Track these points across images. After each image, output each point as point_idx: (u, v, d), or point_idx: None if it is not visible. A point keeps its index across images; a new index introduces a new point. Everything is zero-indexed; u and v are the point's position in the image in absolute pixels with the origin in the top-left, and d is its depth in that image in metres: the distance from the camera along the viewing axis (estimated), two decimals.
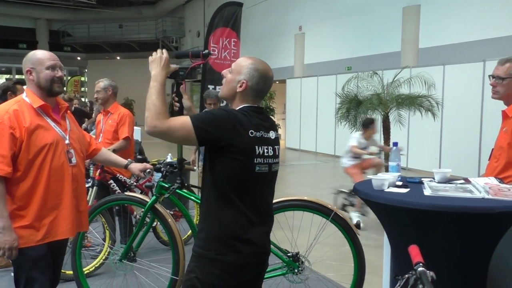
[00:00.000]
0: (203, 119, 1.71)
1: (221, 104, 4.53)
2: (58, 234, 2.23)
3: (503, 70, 2.52)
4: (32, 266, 2.16)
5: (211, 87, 5.66)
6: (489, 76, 2.63)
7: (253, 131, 1.77)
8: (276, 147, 1.89)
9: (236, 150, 1.72)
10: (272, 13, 17.80)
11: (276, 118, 12.05)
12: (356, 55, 13.17)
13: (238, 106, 1.85)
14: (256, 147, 1.77)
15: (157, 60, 1.86)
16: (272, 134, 1.87)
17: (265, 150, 1.81)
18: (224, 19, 6.11)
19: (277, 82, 18.11)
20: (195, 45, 23.72)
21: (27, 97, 2.22)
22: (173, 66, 1.96)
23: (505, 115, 2.54)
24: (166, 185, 2.97)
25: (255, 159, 1.77)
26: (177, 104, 2.08)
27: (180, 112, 2.11)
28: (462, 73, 9.24)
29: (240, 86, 1.82)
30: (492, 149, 2.63)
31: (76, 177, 2.29)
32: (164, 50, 1.91)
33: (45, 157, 2.15)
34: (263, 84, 1.85)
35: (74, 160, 2.27)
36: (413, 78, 8.02)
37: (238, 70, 1.85)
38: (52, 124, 2.23)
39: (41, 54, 2.24)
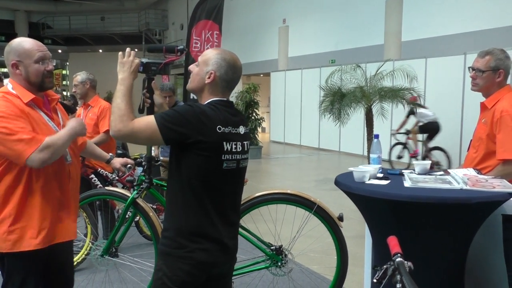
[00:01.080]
0: (167, 118, 1.66)
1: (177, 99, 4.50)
2: (60, 237, 2.08)
3: (483, 62, 2.50)
4: (24, 277, 2.00)
5: None
6: (469, 68, 2.61)
7: (221, 127, 1.72)
8: (245, 142, 1.84)
9: (203, 146, 1.68)
10: (256, 6, 17.74)
11: (260, 111, 12.03)
12: (339, 48, 13.23)
13: (207, 99, 1.80)
14: (224, 143, 1.73)
15: (128, 63, 1.82)
16: (241, 129, 1.82)
17: (233, 146, 1.77)
18: (207, 12, 6.05)
19: (261, 75, 18.12)
20: (179, 38, 23.51)
21: (15, 89, 1.99)
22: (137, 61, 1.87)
23: (484, 106, 2.55)
24: (145, 178, 2.94)
25: (223, 156, 1.73)
26: (148, 101, 2.02)
27: (151, 108, 2.04)
28: (444, 66, 9.37)
29: (209, 77, 1.78)
30: (471, 140, 2.65)
31: (73, 175, 2.14)
32: (133, 53, 1.85)
33: None
34: (232, 74, 1.80)
35: (69, 158, 2.11)
36: (395, 71, 8.10)
37: (205, 61, 1.80)
38: (46, 118, 2.04)
39: (28, 44, 1.99)
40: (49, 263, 2.08)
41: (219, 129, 1.72)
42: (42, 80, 2.01)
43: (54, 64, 2.09)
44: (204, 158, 1.70)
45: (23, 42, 2.00)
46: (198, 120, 1.67)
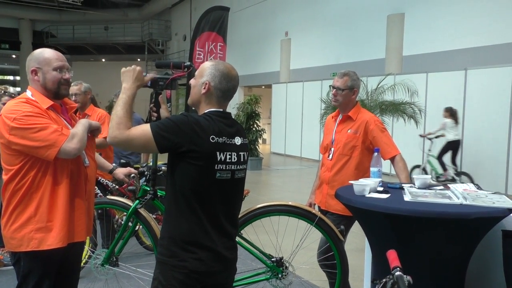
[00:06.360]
0: (162, 126, 1.70)
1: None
2: (75, 236, 2.13)
3: (342, 82, 2.93)
4: (39, 279, 2.04)
5: None
6: (330, 86, 3.03)
7: (214, 137, 1.75)
8: (242, 153, 1.85)
9: (196, 155, 1.71)
10: (258, 18, 17.89)
11: (261, 123, 12.06)
12: (341, 61, 13.31)
13: (204, 110, 1.84)
14: (217, 153, 1.75)
15: (130, 72, 1.86)
16: (237, 140, 1.84)
17: (228, 156, 1.79)
18: (210, 23, 6.13)
19: (263, 87, 18.20)
20: (181, 49, 23.67)
21: (34, 96, 2.07)
22: (150, 75, 1.95)
23: (347, 117, 2.98)
24: (149, 189, 2.96)
25: (216, 165, 1.76)
26: (155, 114, 2.06)
27: None
28: (445, 81, 9.43)
29: (204, 88, 1.82)
30: (330, 147, 3.02)
31: (90, 178, 2.21)
32: (134, 66, 1.91)
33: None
34: (226, 83, 1.83)
35: (87, 161, 2.18)
36: (396, 85, 8.16)
37: (201, 73, 1.85)
38: (65, 122, 2.13)
39: (48, 53, 2.10)
40: (62, 264, 2.13)
41: (212, 139, 1.74)
42: (58, 87, 2.10)
43: (72, 75, 2.16)
44: (197, 167, 1.73)
45: (44, 51, 2.12)
46: (191, 129, 1.71)
